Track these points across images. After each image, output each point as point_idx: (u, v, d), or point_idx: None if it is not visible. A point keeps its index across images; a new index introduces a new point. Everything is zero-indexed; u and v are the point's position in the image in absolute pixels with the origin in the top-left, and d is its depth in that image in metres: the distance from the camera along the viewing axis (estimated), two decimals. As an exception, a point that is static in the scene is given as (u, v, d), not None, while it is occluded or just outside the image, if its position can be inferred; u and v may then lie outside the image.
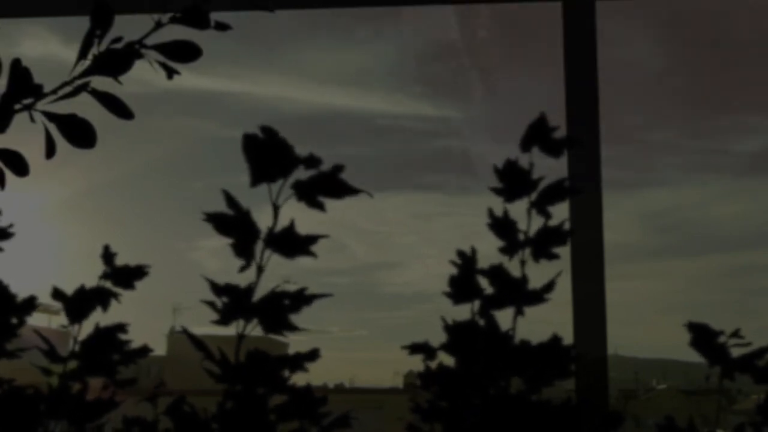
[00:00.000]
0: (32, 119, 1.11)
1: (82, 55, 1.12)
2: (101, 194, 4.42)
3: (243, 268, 0.93)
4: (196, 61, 1.15)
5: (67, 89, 1.12)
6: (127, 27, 1.15)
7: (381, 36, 3.75)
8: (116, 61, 1.11)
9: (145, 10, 1.14)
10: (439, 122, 4.13)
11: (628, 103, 3.34)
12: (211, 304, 0.93)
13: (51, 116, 1.12)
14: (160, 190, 4.56)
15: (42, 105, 1.12)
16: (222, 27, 1.16)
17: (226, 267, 0.95)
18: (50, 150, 1.14)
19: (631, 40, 3.28)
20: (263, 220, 0.93)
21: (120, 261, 1.09)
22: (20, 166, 1.15)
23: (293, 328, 0.94)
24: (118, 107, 1.13)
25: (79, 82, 1.12)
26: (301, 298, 0.94)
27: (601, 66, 2.61)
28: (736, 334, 1.00)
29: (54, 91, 1.12)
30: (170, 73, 1.14)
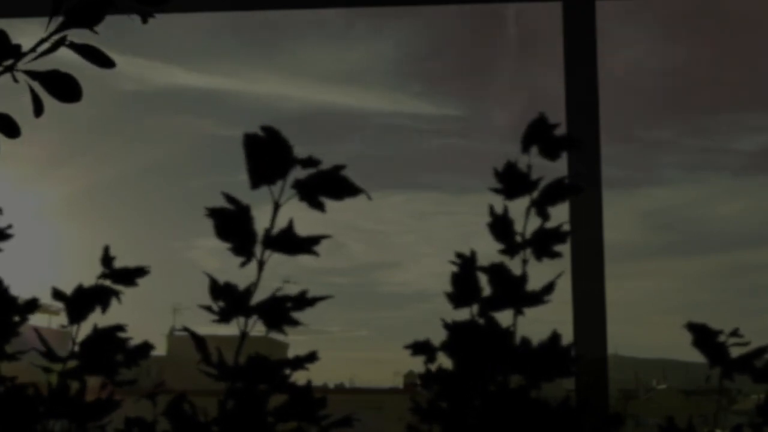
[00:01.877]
0: (15, 79, 1.11)
1: (55, 11, 1.12)
2: (96, 193, 4.41)
3: (243, 265, 0.93)
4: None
5: (45, 46, 1.12)
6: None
7: (379, 34, 3.74)
8: (89, 12, 1.11)
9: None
10: (438, 121, 4.12)
11: (628, 101, 3.33)
12: (209, 309, 0.93)
13: (34, 74, 1.12)
14: (155, 189, 4.55)
15: (23, 65, 1.12)
16: None
17: (225, 266, 0.95)
18: (38, 108, 1.14)
19: (631, 38, 3.28)
20: (262, 218, 0.93)
21: (117, 261, 1.09)
22: (11, 128, 1.14)
23: (294, 323, 0.94)
24: (98, 58, 1.13)
25: (55, 37, 1.11)
26: (302, 302, 0.94)
27: (601, 65, 2.61)
28: (735, 333, 1.00)
29: (33, 49, 1.11)
30: (144, 16, 1.14)
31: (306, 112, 3.99)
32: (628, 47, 3.32)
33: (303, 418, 0.96)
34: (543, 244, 0.97)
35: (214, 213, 0.93)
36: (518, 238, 0.97)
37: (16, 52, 1.10)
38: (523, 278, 0.96)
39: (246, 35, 3.43)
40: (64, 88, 1.12)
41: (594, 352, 2.45)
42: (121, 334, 1.06)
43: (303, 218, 0.94)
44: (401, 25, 3.57)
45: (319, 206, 0.92)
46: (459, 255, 0.99)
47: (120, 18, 1.15)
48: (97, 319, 1.07)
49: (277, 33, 3.50)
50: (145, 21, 1.14)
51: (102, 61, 1.13)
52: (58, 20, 1.11)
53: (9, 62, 1.10)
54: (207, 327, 0.96)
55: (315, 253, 0.93)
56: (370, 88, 4.06)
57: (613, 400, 2.67)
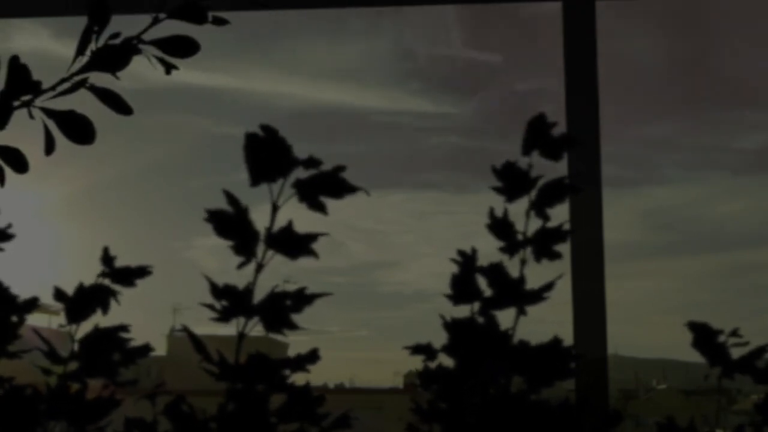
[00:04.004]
0: (31, 116, 1.11)
1: (80, 51, 1.12)
2: (94, 193, 4.41)
3: (241, 265, 0.93)
4: (192, 57, 1.15)
5: (66, 85, 1.12)
6: (125, 25, 1.15)
7: (378, 31, 3.74)
8: (114, 57, 1.11)
9: (143, 9, 1.14)
10: (437, 119, 4.12)
11: (629, 99, 3.33)
12: (211, 307, 0.93)
13: (50, 112, 1.12)
14: (154, 188, 4.55)
15: (40, 101, 1.12)
16: (219, 22, 1.16)
17: (224, 266, 0.95)
18: (49, 146, 1.14)
19: (631, 36, 3.28)
20: (261, 218, 0.93)
21: (117, 261, 1.09)
22: (20, 163, 1.14)
23: (293, 327, 0.94)
24: (116, 103, 1.13)
25: (77, 78, 1.12)
26: (302, 299, 0.94)
27: (601, 62, 2.61)
28: (734, 333, 1.00)
29: (52, 88, 1.12)
30: (168, 68, 1.14)
31: (304, 110, 3.98)
32: (628, 46, 3.32)
33: (303, 418, 0.96)
34: (544, 243, 0.97)
35: (213, 215, 0.93)
36: (519, 236, 0.97)
37: (36, 89, 1.11)
38: (522, 278, 0.96)
39: (244, 32, 3.43)
40: (79, 129, 1.13)
41: (594, 352, 2.45)
42: (123, 335, 1.06)
43: (302, 217, 0.94)
44: (400, 22, 3.57)
45: (320, 207, 0.92)
46: (461, 253, 0.99)
47: (118, 16, 1.15)
48: (96, 319, 1.07)
49: (274, 30, 3.50)
50: (168, 72, 1.14)
51: (121, 107, 1.13)
52: (82, 60, 1.12)
53: (27, 98, 1.11)
54: (207, 327, 0.96)
55: (314, 254, 0.93)
56: (369, 85, 4.06)
57: (613, 400, 2.67)
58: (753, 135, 3.69)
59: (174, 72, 1.13)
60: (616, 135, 2.84)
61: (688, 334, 1.01)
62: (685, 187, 4.17)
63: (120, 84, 1.14)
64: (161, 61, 1.14)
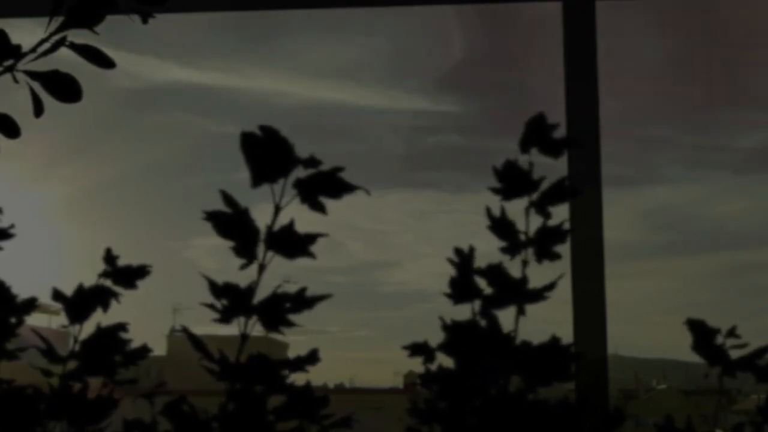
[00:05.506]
0: (15, 80, 1.11)
1: (56, 11, 1.12)
2: (94, 193, 4.40)
3: (243, 267, 0.93)
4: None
5: (46, 46, 1.12)
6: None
7: (376, 30, 3.74)
8: (89, 11, 1.11)
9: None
10: (436, 118, 4.12)
11: (628, 99, 3.33)
12: (212, 307, 0.93)
13: (33, 74, 1.12)
14: (153, 188, 4.54)
15: (23, 66, 1.12)
16: None
17: (223, 266, 0.94)
18: (38, 108, 1.14)
19: (631, 36, 3.28)
20: (261, 217, 0.93)
21: (117, 261, 1.09)
22: (11, 128, 1.14)
23: (293, 325, 0.94)
24: (98, 58, 1.13)
25: (56, 37, 1.12)
26: (302, 301, 0.94)
27: (601, 62, 2.61)
28: (732, 332, 1.00)
29: (33, 50, 1.12)
30: (145, 17, 1.14)
31: (303, 109, 3.98)
32: (628, 45, 3.32)
33: (304, 417, 0.95)
34: (545, 242, 0.97)
35: (212, 216, 0.93)
36: (522, 237, 0.97)
37: (17, 53, 1.11)
38: (523, 279, 0.96)
39: (242, 31, 3.42)
40: (65, 88, 1.12)
41: (594, 352, 2.45)
42: (123, 334, 1.06)
43: (302, 218, 0.93)
44: (399, 21, 3.57)
45: (320, 208, 0.92)
46: (458, 251, 0.99)
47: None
48: (96, 318, 1.07)
49: (274, 30, 3.50)
50: (145, 21, 1.14)
51: (102, 61, 1.13)
52: (59, 20, 1.12)
53: (9, 62, 1.11)
54: (207, 327, 0.96)
55: (312, 255, 0.93)
56: (368, 84, 4.06)
57: (613, 400, 2.67)
58: (753, 135, 3.69)
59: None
60: (616, 135, 2.84)
61: (688, 334, 1.01)
62: (685, 187, 4.17)
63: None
64: (137, 11, 1.14)
